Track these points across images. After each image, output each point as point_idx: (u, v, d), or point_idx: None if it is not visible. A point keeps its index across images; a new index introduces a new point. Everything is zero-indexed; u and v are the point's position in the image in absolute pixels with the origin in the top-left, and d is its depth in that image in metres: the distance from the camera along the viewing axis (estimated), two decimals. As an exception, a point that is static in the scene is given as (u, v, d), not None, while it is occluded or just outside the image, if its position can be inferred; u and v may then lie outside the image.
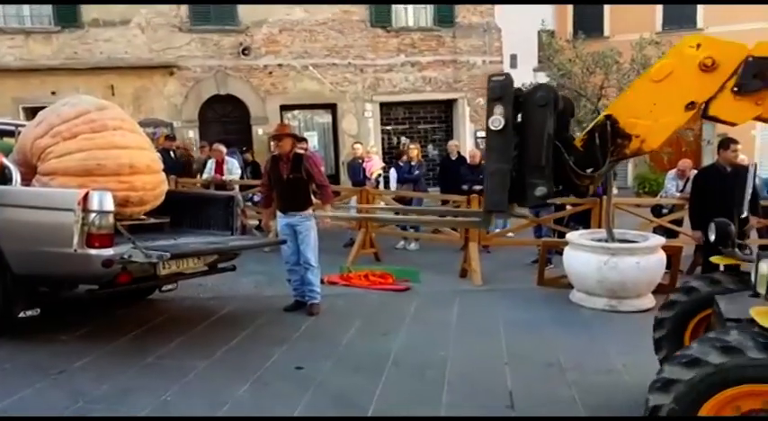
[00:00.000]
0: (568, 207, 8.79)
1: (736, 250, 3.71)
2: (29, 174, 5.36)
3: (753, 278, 3.12)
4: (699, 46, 2.97)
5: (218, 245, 5.35)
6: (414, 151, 10.71)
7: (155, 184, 5.63)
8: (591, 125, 3.12)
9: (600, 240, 6.82)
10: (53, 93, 12.58)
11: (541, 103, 2.93)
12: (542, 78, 15.73)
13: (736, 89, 2.90)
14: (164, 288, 6.39)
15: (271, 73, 14.76)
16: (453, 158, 11.10)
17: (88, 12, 13.54)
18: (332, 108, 15.51)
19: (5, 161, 5.21)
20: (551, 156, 2.95)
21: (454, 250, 9.10)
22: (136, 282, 5.16)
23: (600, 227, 7.92)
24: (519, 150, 2.99)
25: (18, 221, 4.88)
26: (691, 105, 2.97)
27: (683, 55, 3.01)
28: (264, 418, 3.94)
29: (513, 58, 19.37)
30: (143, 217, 5.77)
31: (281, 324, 5.94)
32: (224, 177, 10.11)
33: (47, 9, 13.40)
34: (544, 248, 7.88)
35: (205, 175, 10.39)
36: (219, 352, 5.05)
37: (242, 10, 14.43)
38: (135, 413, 3.91)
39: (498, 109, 2.86)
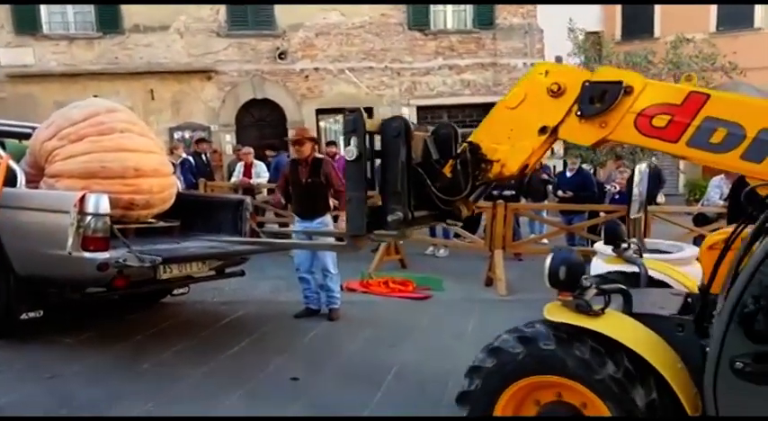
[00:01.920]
0: (602, 214, 8.39)
1: (628, 250, 3.80)
2: (39, 176, 5.38)
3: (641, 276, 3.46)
4: (547, 73, 3.09)
5: (219, 249, 5.23)
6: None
7: (162, 187, 5.58)
8: (457, 153, 3.24)
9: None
10: (95, 96, 12.82)
11: (395, 134, 3.08)
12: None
13: (579, 113, 2.96)
14: (175, 292, 6.38)
15: (307, 77, 14.75)
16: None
17: (129, 18, 13.83)
18: (368, 112, 15.32)
19: (11, 163, 5.24)
20: (406, 182, 3.07)
21: (484, 257, 8.78)
22: (135, 286, 5.08)
23: (635, 236, 7.51)
24: (381, 178, 3.16)
25: (20, 223, 4.89)
26: (543, 129, 3.06)
27: (533, 82, 3.12)
28: (264, 418, 3.83)
29: (558, 59, 18.88)
30: (152, 220, 5.74)
31: (287, 331, 5.80)
32: (252, 181, 10.09)
33: (90, 16, 13.77)
34: (572, 257, 7.49)
35: (233, 179, 10.40)
36: (217, 359, 4.93)
37: (279, 14, 14.48)
38: (117, 421, 3.82)
39: (353, 141, 3.04)
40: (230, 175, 10.87)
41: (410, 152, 3.10)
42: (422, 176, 3.13)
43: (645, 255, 4.57)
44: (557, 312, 2.83)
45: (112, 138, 5.34)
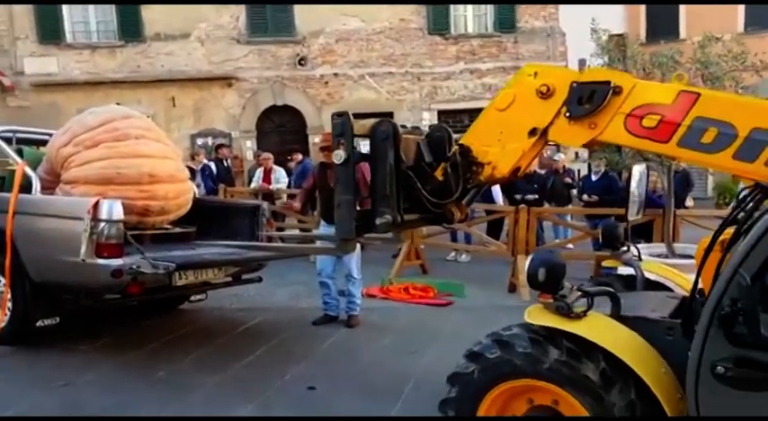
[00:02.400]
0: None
1: (625, 252, 3.77)
2: (55, 182, 5.35)
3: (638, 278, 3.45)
4: (536, 74, 3.05)
5: (232, 256, 5.14)
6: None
7: (177, 193, 5.51)
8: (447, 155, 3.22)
9: (659, 256, 6.22)
10: (117, 104, 12.93)
11: (382, 137, 3.07)
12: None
13: (568, 114, 2.92)
14: (192, 298, 6.31)
15: (327, 83, 14.72)
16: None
17: (151, 26, 13.93)
18: (389, 117, 15.25)
19: (27, 169, 5.21)
20: (395, 185, 3.06)
21: (507, 262, 8.60)
22: (150, 293, 5.01)
23: (663, 241, 7.28)
24: (371, 181, 3.16)
25: (35, 229, 4.84)
26: (533, 131, 3.02)
27: (522, 83, 3.09)
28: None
29: (582, 62, 18.61)
30: (168, 226, 5.68)
31: (306, 338, 5.68)
32: (271, 186, 10.03)
33: (112, 24, 13.91)
34: (598, 262, 7.29)
35: (253, 184, 10.36)
36: (233, 368, 4.83)
37: (299, 21, 14.49)
38: (128, 431, 3.74)
39: (341, 145, 3.03)
40: (251, 181, 10.83)
41: (398, 155, 3.09)
42: (412, 179, 3.12)
43: (648, 258, 4.44)
44: (537, 315, 2.80)
45: (128, 144, 5.29)
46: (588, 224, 9.21)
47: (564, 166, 10.44)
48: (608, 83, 2.81)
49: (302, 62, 14.46)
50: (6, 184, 5.57)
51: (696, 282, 2.78)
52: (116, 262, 4.53)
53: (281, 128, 14.84)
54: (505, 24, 15.49)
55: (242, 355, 5.08)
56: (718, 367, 2.32)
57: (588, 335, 2.62)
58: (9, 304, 5.01)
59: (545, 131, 3.01)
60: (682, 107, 2.66)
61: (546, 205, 9.89)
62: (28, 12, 13.44)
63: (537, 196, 9.55)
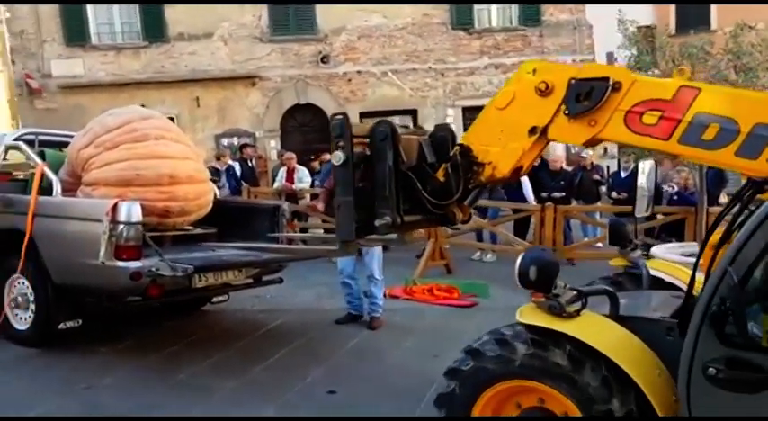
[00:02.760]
0: (659, 216, 7.92)
1: (633, 250, 3.71)
2: (76, 184, 5.35)
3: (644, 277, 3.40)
4: (535, 71, 3.00)
5: (250, 257, 5.08)
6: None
7: (197, 194, 5.46)
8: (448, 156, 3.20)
9: (691, 255, 5.99)
10: (142, 105, 12.99)
11: (381, 138, 3.04)
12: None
13: (567, 112, 2.86)
14: (214, 300, 6.28)
15: (350, 80, 14.65)
16: (536, 164, 10.36)
17: (174, 26, 14.00)
18: (412, 114, 15.16)
19: (47, 171, 5.22)
20: (394, 186, 3.02)
21: (533, 262, 8.43)
22: (170, 295, 4.98)
23: (695, 239, 7.05)
24: (372, 182, 3.11)
25: (55, 231, 4.85)
26: (533, 130, 2.97)
27: (521, 81, 3.04)
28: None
29: (610, 55, 18.26)
30: (188, 228, 5.64)
31: (328, 340, 5.61)
32: (294, 186, 9.99)
33: (136, 26, 14.00)
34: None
35: (276, 184, 10.33)
36: (255, 370, 4.77)
37: (321, 18, 14.44)
38: (147, 436, 3.70)
39: (340, 146, 3.01)
40: (274, 181, 10.80)
41: (398, 156, 3.06)
42: (412, 180, 3.10)
43: (656, 255, 4.29)
44: (529, 314, 2.74)
45: (147, 145, 5.26)
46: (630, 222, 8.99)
47: (592, 163, 10.22)
48: (606, 79, 2.76)
49: (325, 60, 14.41)
50: (29, 187, 5.61)
51: (692, 281, 2.67)
52: (135, 264, 4.51)
53: (304, 127, 14.82)
54: (530, 18, 15.26)
55: (263, 358, 5.03)
56: (710, 368, 2.27)
57: (582, 336, 2.56)
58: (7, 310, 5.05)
59: (545, 130, 2.95)
60: (682, 103, 2.60)
61: (573, 203, 9.68)
62: (54, 14, 13.60)
63: (564, 194, 9.34)
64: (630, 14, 16.16)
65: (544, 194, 9.23)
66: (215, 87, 14.20)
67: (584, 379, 2.50)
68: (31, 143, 5.75)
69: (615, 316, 2.77)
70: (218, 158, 10.97)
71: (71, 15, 13.63)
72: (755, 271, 2.24)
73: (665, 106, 2.64)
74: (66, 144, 6.20)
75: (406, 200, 3.08)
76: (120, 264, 4.48)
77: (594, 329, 2.63)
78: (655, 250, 6.37)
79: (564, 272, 6.76)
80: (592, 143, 3.04)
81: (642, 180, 4.00)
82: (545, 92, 2.90)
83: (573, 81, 2.84)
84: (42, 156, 5.66)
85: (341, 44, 14.57)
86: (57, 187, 5.10)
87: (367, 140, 3.10)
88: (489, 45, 15.18)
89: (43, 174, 5.16)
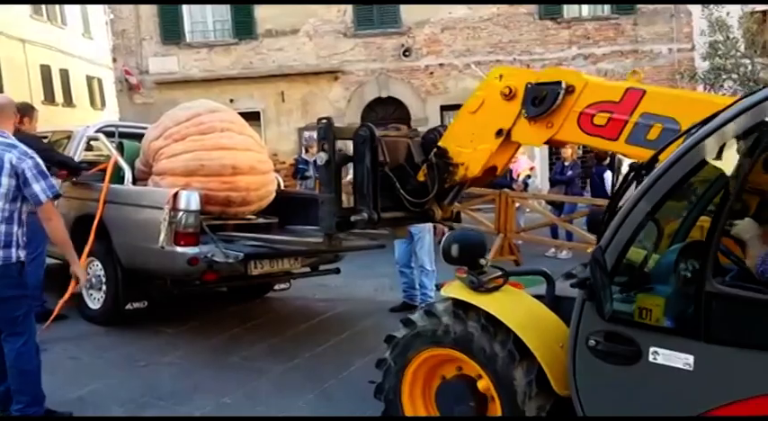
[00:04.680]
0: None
1: None
2: (149, 173, 5.68)
3: None
4: (501, 76, 3.20)
5: (301, 246, 5.19)
6: (568, 150, 9.75)
7: (259, 185, 5.64)
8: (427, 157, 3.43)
9: None
10: (231, 100, 13.61)
11: (360, 141, 3.33)
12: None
13: (525, 115, 3.04)
14: (276, 287, 6.49)
15: (432, 73, 14.60)
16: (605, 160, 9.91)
17: (263, 23, 14.50)
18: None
19: (120, 161, 5.57)
20: (371, 185, 3.29)
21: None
22: (226, 281, 5.20)
23: None
24: (354, 181, 3.44)
25: (124, 218, 5.19)
26: (499, 132, 3.16)
27: (489, 86, 3.24)
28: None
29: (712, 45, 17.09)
30: (251, 217, 5.85)
31: (379, 331, 5.56)
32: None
33: (228, 23, 14.62)
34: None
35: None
36: (302, 357, 4.90)
37: (404, 12, 14.47)
38: (190, 413, 3.90)
39: (324, 147, 3.36)
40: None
41: (375, 157, 3.30)
42: (391, 179, 3.33)
43: None
44: (453, 289, 2.95)
45: (212, 137, 5.48)
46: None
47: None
48: (559, 83, 2.92)
49: (407, 53, 14.44)
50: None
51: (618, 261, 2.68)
52: (192, 250, 4.75)
53: (384, 120, 14.91)
54: (624, 6, 14.56)
55: (313, 345, 5.15)
56: (590, 340, 2.39)
57: (491, 310, 2.73)
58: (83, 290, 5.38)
59: (510, 132, 3.14)
60: (629, 104, 2.75)
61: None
62: (152, 14, 14.46)
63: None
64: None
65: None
66: (299, 82, 14.58)
67: (493, 348, 2.70)
68: (110, 135, 6.15)
69: (551, 295, 2.95)
70: (306, 150, 11.36)
71: (167, 15, 14.45)
72: (627, 252, 2.35)
73: (614, 108, 2.79)
74: (141, 136, 6.62)
75: (387, 198, 3.32)
76: (179, 249, 4.73)
77: (506, 303, 2.80)
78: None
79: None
80: (552, 144, 3.34)
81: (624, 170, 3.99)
82: (509, 96, 3.09)
83: (529, 85, 3.02)
84: (121, 147, 6.05)
85: (424, 37, 14.54)
86: (128, 176, 5.44)
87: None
88: (579, 35, 14.66)
89: (117, 164, 5.51)
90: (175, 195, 4.79)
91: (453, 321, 2.84)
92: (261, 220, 5.93)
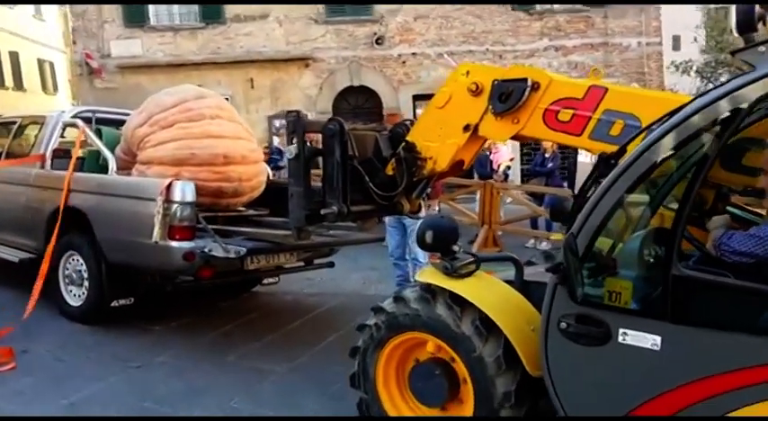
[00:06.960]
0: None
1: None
2: (132, 162, 5.34)
3: None
4: (468, 73, 3.26)
5: (272, 239, 4.95)
6: (548, 142, 9.73)
7: (251, 175, 5.39)
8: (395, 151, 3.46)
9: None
10: (199, 86, 13.09)
11: (330, 134, 3.34)
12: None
13: (492, 111, 3.11)
14: (265, 281, 6.24)
15: (404, 62, 14.43)
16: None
17: (231, 7, 14.02)
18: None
19: (104, 149, 5.24)
20: (340, 178, 3.30)
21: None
22: (221, 277, 4.94)
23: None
24: (323, 174, 3.43)
25: (109, 210, 4.86)
26: (467, 127, 3.23)
27: (456, 82, 3.30)
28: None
29: (676, 39, 17.47)
30: (241, 209, 5.59)
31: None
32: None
33: (194, 7, 14.08)
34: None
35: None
36: (304, 356, 4.69)
37: (377, -2, 14.21)
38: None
39: (293, 140, 3.36)
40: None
41: (345, 150, 3.32)
42: (360, 173, 3.37)
43: None
44: (425, 274, 3.03)
45: (201, 124, 5.19)
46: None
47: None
48: (525, 80, 2.99)
49: (379, 41, 14.22)
50: (87, 165, 5.66)
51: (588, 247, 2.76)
52: (188, 244, 4.46)
53: (357, 109, 14.69)
54: (594, -3, 14.66)
55: (312, 343, 4.94)
56: (562, 322, 2.46)
57: (465, 294, 2.79)
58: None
59: (477, 127, 3.20)
60: (592, 101, 2.84)
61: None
62: (115, -5, 13.83)
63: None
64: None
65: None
66: (269, 69, 14.21)
67: (461, 328, 2.77)
68: (87, 120, 5.77)
69: (520, 280, 3.04)
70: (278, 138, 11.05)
71: (131, -4, 13.84)
72: (597, 239, 2.43)
73: (578, 104, 2.88)
74: (123, 122, 6.21)
75: (357, 191, 3.35)
76: (174, 244, 4.43)
77: (477, 287, 2.86)
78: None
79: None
80: (518, 140, 3.40)
81: (581, 159, 4.14)
82: (475, 92, 3.15)
83: (496, 82, 3.09)
84: (99, 134, 5.69)
85: (396, 25, 14.34)
86: (112, 165, 5.11)
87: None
88: (550, 26, 14.70)
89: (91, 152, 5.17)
90: (169, 186, 4.49)
91: (422, 305, 2.91)
92: (251, 212, 5.68)
